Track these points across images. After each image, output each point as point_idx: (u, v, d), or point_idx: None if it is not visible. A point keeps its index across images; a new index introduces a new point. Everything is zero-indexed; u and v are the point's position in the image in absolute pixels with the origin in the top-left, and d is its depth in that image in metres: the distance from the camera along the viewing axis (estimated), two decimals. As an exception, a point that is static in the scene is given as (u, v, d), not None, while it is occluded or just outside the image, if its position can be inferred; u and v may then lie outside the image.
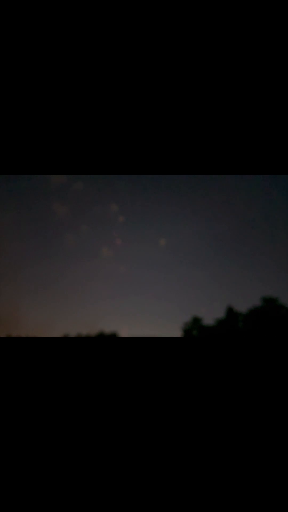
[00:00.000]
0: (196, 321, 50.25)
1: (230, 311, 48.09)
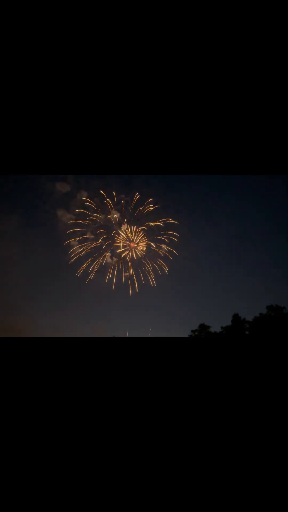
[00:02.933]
0: (203, 328, 49.96)
1: (236, 318, 47.69)
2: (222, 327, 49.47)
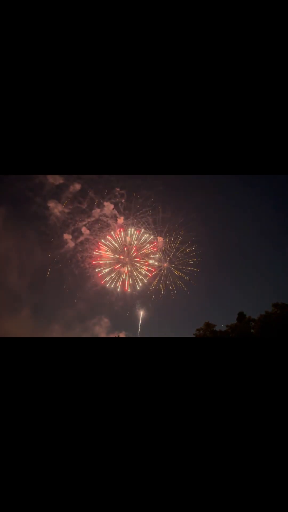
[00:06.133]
0: (208, 326, 49.80)
1: (241, 316, 47.47)
2: (227, 326, 49.16)
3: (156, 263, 54.30)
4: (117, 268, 54.35)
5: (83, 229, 51.99)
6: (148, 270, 54.41)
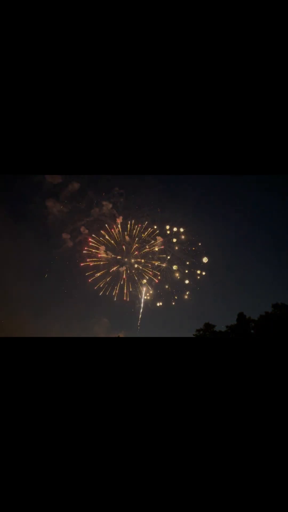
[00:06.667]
0: (208, 327, 49.74)
1: (241, 317, 47.44)
2: (227, 326, 49.03)
3: (164, 264, 50.28)
4: (113, 270, 49.85)
5: (82, 229, 49.93)
6: (153, 275, 49.53)
